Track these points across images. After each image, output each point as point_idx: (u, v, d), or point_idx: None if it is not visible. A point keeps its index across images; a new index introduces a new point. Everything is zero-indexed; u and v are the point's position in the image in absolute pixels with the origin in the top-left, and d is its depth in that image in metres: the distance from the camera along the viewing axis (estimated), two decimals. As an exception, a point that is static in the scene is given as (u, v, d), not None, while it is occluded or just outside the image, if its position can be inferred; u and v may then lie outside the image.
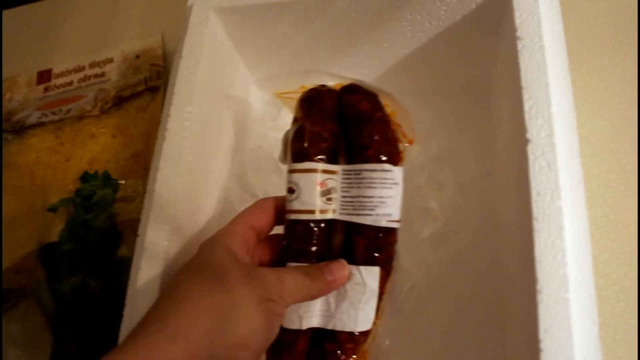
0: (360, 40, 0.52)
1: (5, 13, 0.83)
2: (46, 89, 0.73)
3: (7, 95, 0.73)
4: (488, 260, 0.49)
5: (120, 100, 0.67)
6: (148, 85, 0.67)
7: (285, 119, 0.58)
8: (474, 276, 0.49)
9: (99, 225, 0.57)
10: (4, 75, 0.77)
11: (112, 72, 0.71)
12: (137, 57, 0.71)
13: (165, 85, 0.69)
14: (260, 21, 0.51)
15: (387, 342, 0.49)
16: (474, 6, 0.46)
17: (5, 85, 0.75)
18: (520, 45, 0.42)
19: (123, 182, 0.59)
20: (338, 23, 0.50)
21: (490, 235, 0.49)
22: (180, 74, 0.47)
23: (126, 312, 0.43)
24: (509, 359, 0.43)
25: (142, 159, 0.62)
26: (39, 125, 0.67)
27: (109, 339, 0.55)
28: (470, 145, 0.54)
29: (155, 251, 0.43)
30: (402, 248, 0.51)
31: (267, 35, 0.53)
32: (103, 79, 0.71)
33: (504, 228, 0.47)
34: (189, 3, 0.52)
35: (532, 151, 0.39)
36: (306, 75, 0.58)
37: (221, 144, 0.53)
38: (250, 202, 0.50)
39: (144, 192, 0.59)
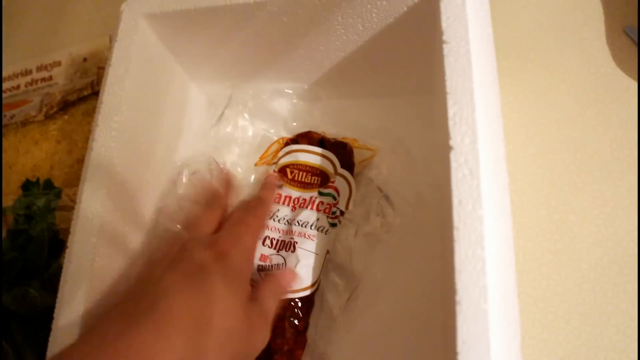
0: (295, 44, 0.51)
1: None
2: (-7, 94, 0.72)
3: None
4: (430, 257, 0.48)
5: (66, 105, 0.66)
6: (95, 89, 0.66)
7: (226, 125, 0.57)
8: (407, 283, 0.49)
9: (39, 234, 0.56)
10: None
11: (60, 75, 0.70)
12: (85, 59, 0.69)
13: (112, 88, 0.67)
14: (192, 26, 0.50)
15: (323, 349, 0.49)
16: (404, 8, 0.45)
17: (-49, 91, 0.74)
18: (446, 49, 0.41)
19: (62, 190, 0.58)
20: (271, 27, 0.49)
21: (431, 231, 0.48)
22: (109, 83, 0.47)
23: (53, 326, 0.42)
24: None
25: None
26: (-18, 132, 0.66)
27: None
28: (415, 146, 0.53)
29: (80, 264, 0.42)
30: (339, 246, 0.51)
31: (201, 41, 0.52)
32: (50, 82, 0.70)
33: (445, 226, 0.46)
34: (121, 8, 0.51)
35: (455, 159, 0.38)
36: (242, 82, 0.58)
37: (157, 150, 0.52)
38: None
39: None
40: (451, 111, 0.39)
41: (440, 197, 0.49)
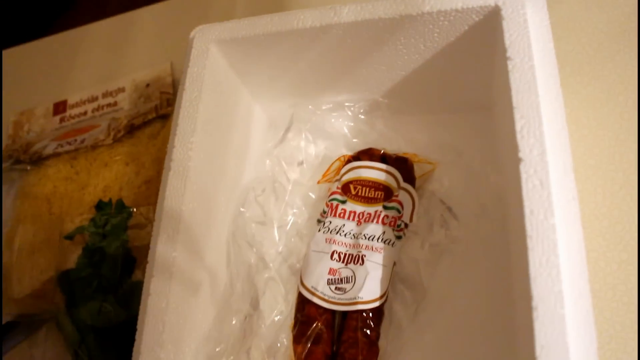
0: (358, 64, 0.53)
1: (19, 48, 0.86)
2: (62, 120, 0.76)
3: (25, 127, 0.76)
4: (496, 267, 0.49)
5: (132, 129, 0.69)
6: (159, 112, 0.70)
7: (289, 145, 0.60)
8: (473, 293, 0.50)
9: (113, 251, 0.59)
10: (22, 108, 0.80)
11: (124, 101, 0.74)
12: (148, 85, 0.73)
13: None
14: (260, 50, 0.52)
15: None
16: (466, 27, 0.47)
17: (23, 117, 0.78)
18: (510, 65, 0.43)
19: (134, 210, 0.61)
20: (335, 49, 0.51)
21: (496, 242, 0.49)
22: (184, 106, 0.49)
23: (137, 335, 0.44)
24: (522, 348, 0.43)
25: (154, 185, 0.64)
26: (55, 155, 0.70)
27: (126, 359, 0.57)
28: (474, 160, 0.54)
29: (163, 277, 0.44)
30: (405, 258, 0.52)
31: (267, 64, 0.54)
32: (115, 107, 0.73)
33: (510, 235, 0.47)
34: (191, 36, 0.54)
35: (525, 170, 0.39)
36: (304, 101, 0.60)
37: (227, 169, 0.54)
38: (258, 229, 0.53)
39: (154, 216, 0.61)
40: (518, 125, 0.41)
41: (503, 208, 0.50)
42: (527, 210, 0.38)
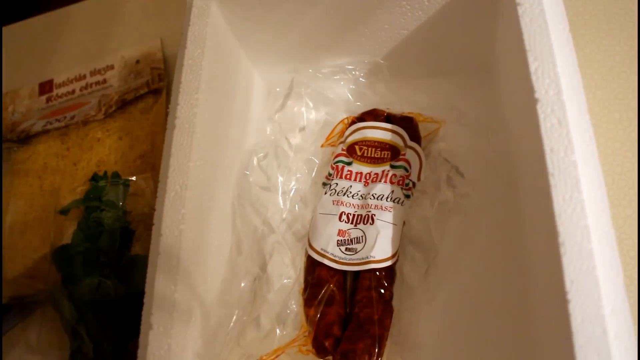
0: (360, 23, 0.53)
1: (4, 29, 0.84)
2: (48, 99, 0.73)
3: (9, 108, 0.74)
4: (504, 222, 0.49)
5: (123, 104, 0.67)
6: (150, 87, 0.68)
7: (289, 111, 0.59)
8: (483, 250, 0.50)
9: (111, 224, 0.57)
10: (6, 89, 0.77)
11: (114, 78, 0.71)
12: (138, 62, 0.71)
13: (167, 87, 0.69)
14: (260, 10, 0.51)
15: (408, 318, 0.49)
16: (471, -21, 0.47)
17: (7, 98, 0.75)
18: (520, 10, 0.43)
19: (133, 178, 0.59)
20: (337, 7, 0.51)
21: (505, 197, 0.49)
22: (186, 63, 0.48)
23: (147, 298, 0.42)
24: (534, 314, 0.42)
25: (149, 159, 0.62)
26: (45, 132, 0.67)
27: (126, 335, 0.55)
28: (478, 119, 0.54)
29: (172, 235, 0.43)
30: (414, 219, 0.51)
31: (267, 24, 0.53)
32: (105, 85, 0.71)
33: (520, 190, 0.47)
34: (189, -3, 0.52)
35: (542, 110, 0.39)
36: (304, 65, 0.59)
37: (230, 132, 0.53)
38: (262, 194, 0.52)
39: (155, 187, 0.59)
40: (532, 66, 0.40)
41: (509, 164, 0.50)
42: (547, 149, 0.38)
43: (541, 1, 0.43)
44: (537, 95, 0.40)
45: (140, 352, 0.41)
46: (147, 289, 0.43)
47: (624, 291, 0.36)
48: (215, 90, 0.49)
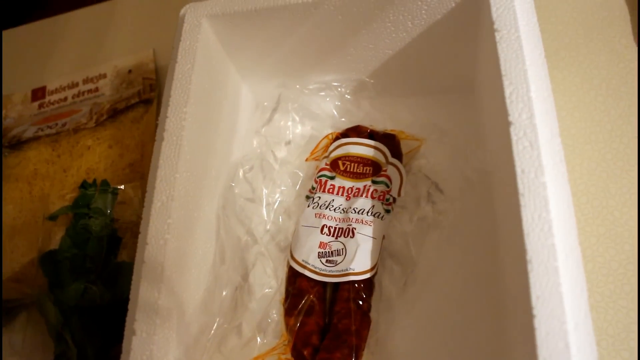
0: (346, 42, 0.55)
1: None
2: (40, 106, 0.74)
3: (2, 113, 0.75)
4: (481, 238, 0.51)
5: (115, 113, 0.68)
6: (142, 97, 0.69)
7: (276, 125, 0.60)
8: (460, 264, 0.51)
9: (99, 231, 0.58)
10: (-2, 93, 0.78)
11: (106, 87, 0.73)
12: (130, 71, 0.73)
13: (158, 97, 0.71)
14: (250, 27, 0.53)
15: (385, 330, 0.51)
16: (453, 4, 0.49)
17: (-1, 104, 0.77)
18: (498, 36, 0.45)
19: (122, 187, 0.60)
20: (325, 26, 0.52)
21: (482, 214, 0.51)
22: (176, 77, 0.49)
23: (131, 302, 0.44)
24: (505, 327, 0.44)
25: (138, 168, 0.64)
26: (36, 139, 0.69)
27: (110, 341, 0.56)
28: (457, 138, 0.56)
29: (157, 244, 0.44)
30: (393, 233, 0.53)
31: (257, 41, 0.55)
32: (97, 93, 0.73)
33: (495, 207, 0.49)
34: (182, 12, 0.54)
35: (515, 132, 0.41)
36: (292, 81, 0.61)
37: (217, 144, 0.55)
38: (247, 205, 0.53)
39: (143, 196, 0.60)
40: (507, 91, 0.42)
41: (487, 181, 0.52)
42: (518, 170, 0.40)
43: (518, 28, 0.45)
44: (510, 118, 0.41)
45: (123, 357, 0.43)
46: (131, 296, 0.44)
47: (587, 307, 0.38)
48: (203, 104, 0.51)
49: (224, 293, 0.51)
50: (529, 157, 0.40)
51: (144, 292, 0.43)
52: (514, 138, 0.41)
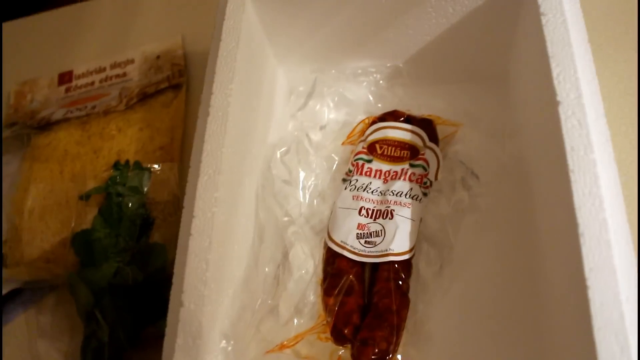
0: (385, 27, 0.55)
1: (21, 20, 0.85)
2: (67, 90, 0.74)
3: (28, 96, 0.75)
4: (517, 221, 0.51)
5: (144, 97, 0.69)
6: (171, 82, 0.69)
7: (311, 110, 0.61)
8: (495, 249, 0.52)
9: (132, 211, 0.58)
10: (25, 78, 0.78)
11: (134, 72, 0.73)
12: (158, 57, 0.73)
13: (187, 83, 0.71)
14: (293, 8, 0.54)
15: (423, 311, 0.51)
16: (495, -10, 0.50)
17: (25, 87, 0.76)
18: (544, 20, 0.45)
19: (158, 167, 0.60)
20: (368, 8, 0.53)
21: (518, 198, 0.51)
22: (221, 55, 0.50)
23: (176, 277, 0.44)
24: (546, 304, 0.45)
25: (168, 152, 0.64)
26: (65, 120, 0.69)
27: (141, 321, 0.56)
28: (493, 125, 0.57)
29: (205, 217, 0.44)
30: (429, 217, 0.53)
31: (298, 23, 0.56)
32: (125, 78, 0.73)
33: (534, 190, 0.49)
34: (224, -9, 0.54)
35: (564, 111, 0.42)
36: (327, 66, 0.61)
37: (257, 125, 0.55)
38: (283, 188, 0.54)
39: (179, 176, 0.61)
40: (555, 72, 0.43)
41: (522, 168, 0.53)
42: (568, 147, 0.40)
43: (564, 12, 0.45)
44: (558, 98, 0.42)
45: (169, 329, 0.42)
46: (176, 270, 0.44)
47: (636, 282, 0.38)
48: (246, 83, 0.51)
49: (266, 269, 0.51)
50: (578, 135, 0.41)
51: (192, 265, 0.43)
52: (562, 117, 0.42)
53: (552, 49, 0.44)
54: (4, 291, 0.61)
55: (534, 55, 0.47)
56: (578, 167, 0.40)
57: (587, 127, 0.41)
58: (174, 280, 0.44)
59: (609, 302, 0.36)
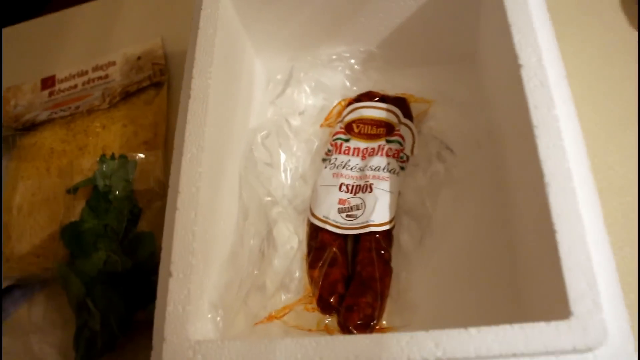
0: (357, 11, 0.58)
1: (5, 30, 0.87)
2: (51, 94, 0.76)
3: (11, 102, 0.76)
4: (491, 187, 0.54)
5: (127, 95, 0.70)
6: (152, 81, 0.71)
7: (289, 97, 0.63)
8: (472, 217, 0.54)
9: (119, 201, 0.60)
10: (7, 85, 0.80)
11: (116, 73, 0.75)
12: (139, 58, 0.75)
13: (168, 81, 0.73)
14: (266, -1, 0.56)
15: (406, 279, 0.53)
16: (458, -30, 0.53)
17: (9, 93, 0.78)
18: (505, -5, 0.48)
19: (142, 155, 0.62)
20: (339, -5, 0.56)
21: (491, 167, 0.54)
22: (199, 41, 0.52)
23: (164, 250, 0.45)
24: (521, 255, 0.48)
25: (152, 146, 0.66)
26: (50, 121, 0.70)
27: (132, 307, 0.57)
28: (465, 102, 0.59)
29: (189, 192, 0.46)
30: (408, 190, 0.55)
31: (272, 11, 0.58)
32: (107, 80, 0.75)
33: (506, 156, 0.51)
34: (199, -17, 0.57)
35: (526, 73, 0.44)
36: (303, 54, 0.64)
37: (237, 110, 0.57)
38: (265, 169, 0.55)
39: (164, 163, 0.62)
40: (516, 38, 0.46)
41: (494, 139, 0.55)
42: (531, 106, 0.43)
43: (521, -16, 0.48)
44: (520, 61, 0.45)
45: (159, 300, 0.44)
46: (164, 244, 0.46)
47: (603, 227, 0.40)
48: (224, 68, 0.53)
49: (251, 242, 0.52)
50: (540, 94, 0.43)
51: (179, 236, 0.44)
52: (525, 78, 0.44)
53: (512, 18, 0.47)
54: (-5, 290, 0.62)
55: (497, 29, 0.50)
56: (542, 123, 0.42)
57: (549, 86, 0.43)
58: (163, 254, 0.46)
59: (576, 244, 0.38)
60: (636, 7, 0.64)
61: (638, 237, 0.53)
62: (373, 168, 0.55)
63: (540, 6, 0.49)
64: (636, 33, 0.63)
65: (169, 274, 0.44)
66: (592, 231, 0.39)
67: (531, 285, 0.45)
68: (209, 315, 0.46)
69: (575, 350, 0.35)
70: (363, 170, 0.55)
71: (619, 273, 0.45)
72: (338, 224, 0.53)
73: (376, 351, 0.37)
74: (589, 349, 0.35)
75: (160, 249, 0.46)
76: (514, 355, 0.36)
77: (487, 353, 0.36)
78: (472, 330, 0.37)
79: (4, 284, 0.62)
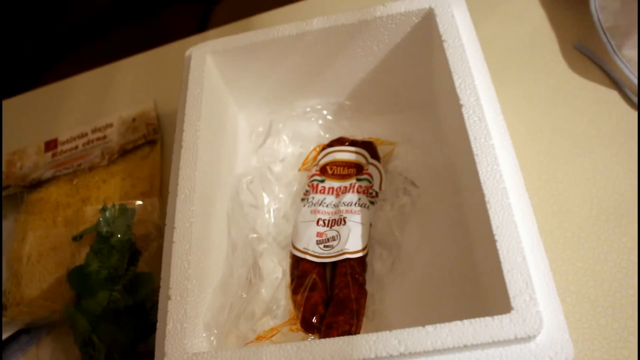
0: (325, 69, 0.66)
1: (8, 101, 0.95)
2: (54, 155, 0.83)
3: (17, 164, 0.83)
4: (452, 214, 0.61)
5: (124, 152, 0.78)
6: (147, 139, 0.79)
7: (270, 147, 0.71)
8: (438, 240, 0.61)
9: (120, 245, 0.66)
10: (14, 149, 0.87)
11: (113, 134, 0.83)
12: (134, 119, 0.83)
13: (161, 139, 0.81)
14: (245, 59, 0.65)
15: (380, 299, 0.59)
16: (408, 28, 0.62)
17: (15, 156, 0.85)
18: (446, 45, 0.57)
19: (140, 202, 0.69)
20: (307, 55, 0.64)
21: (450, 196, 0.61)
22: (189, 99, 0.60)
23: (163, 279, 0.51)
24: (477, 267, 0.54)
25: (148, 196, 0.73)
26: (55, 178, 0.77)
27: (134, 340, 0.63)
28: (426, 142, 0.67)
29: (184, 226, 0.52)
30: (379, 223, 0.62)
31: (250, 72, 0.67)
32: (105, 140, 0.82)
33: (461, 184, 0.59)
34: (187, 53, 0.65)
35: (466, 111, 0.52)
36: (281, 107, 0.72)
37: (222, 159, 0.64)
38: (251, 211, 0.63)
39: (160, 208, 0.69)
40: (457, 82, 0.54)
41: (453, 173, 0.63)
42: (471, 138, 0.51)
43: (460, 38, 0.57)
44: (461, 102, 0.53)
45: (159, 321, 0.50)
46: (163, 273, 0.52)
47: (538, 236, 0.47)
48: (211, 122, 0.61)
49: (240, 271, 0.59)
50: (478, 127, 0.51)
51: (176, 265, 0.51)
52: (465, 115, 0.52)
53: (453, 66, 0.55)
54: (4, 336, 0.68)
55: (444, 77, 0.58)
56: (481, 151, 0.50)
57: (486, 121, 0.51)
58: (162, 281, 0.52)
59: (513, 249, 0.45)
60: (573, 54, 0.73)
61: (638, 237, 0.59)
62: (346, 204, 0.62)
63: (477, 54, 0.57)
64: (563, 75, 0.72)
65: (168, 297, 0.50)
66: (527, 238, 0.46)
67: (487, 290, 0.51)
68: (204, 334, 0.51)
69: (517, 339, 0.42)
70: (337, 206, 0.62)
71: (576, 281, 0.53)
72: (317, 254, 0.60)
73: (348, 350, 0.44)
74: (529, 338, 0.42)
75: (158, 287, 0.53)
76: (465, 346, 0.42)
77: (442, 346, 0.42)
78: (429, 328, 0.43)
79: (13, 329, 0.68)
